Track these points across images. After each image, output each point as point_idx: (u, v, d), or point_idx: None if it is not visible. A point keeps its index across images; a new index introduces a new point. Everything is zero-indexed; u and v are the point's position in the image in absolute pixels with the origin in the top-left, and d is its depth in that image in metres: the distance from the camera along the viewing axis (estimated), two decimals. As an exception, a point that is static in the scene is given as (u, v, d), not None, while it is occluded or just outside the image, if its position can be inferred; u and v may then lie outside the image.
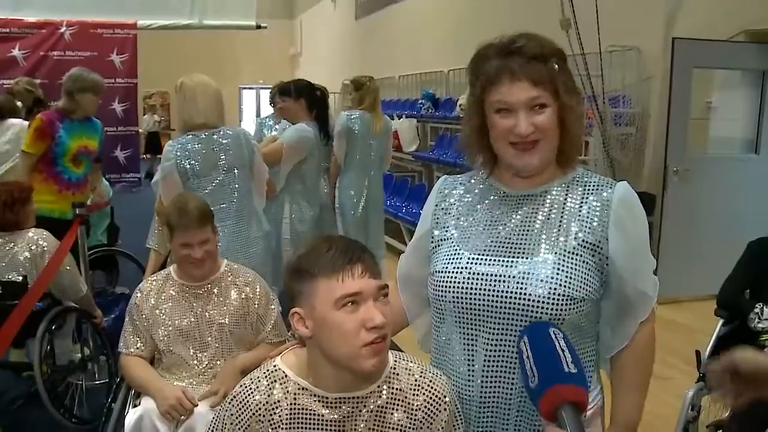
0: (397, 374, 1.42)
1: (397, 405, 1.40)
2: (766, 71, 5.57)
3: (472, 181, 1.58)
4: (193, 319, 2.47)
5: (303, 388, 1.40)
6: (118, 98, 9.99)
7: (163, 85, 15.03)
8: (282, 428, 1.39)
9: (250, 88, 17.81)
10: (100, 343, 3.66)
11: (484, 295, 1.41)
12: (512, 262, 1.41)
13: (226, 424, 1.43)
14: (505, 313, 1.39)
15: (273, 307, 2.59)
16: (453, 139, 7.80)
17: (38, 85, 5.99)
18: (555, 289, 1.37)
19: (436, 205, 1.58)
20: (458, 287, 1.43)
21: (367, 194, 5.18)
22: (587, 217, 1.43)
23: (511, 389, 1.42)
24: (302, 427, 1.39)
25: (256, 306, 2.53)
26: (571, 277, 1.38)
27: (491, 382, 1.43)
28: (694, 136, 5.61)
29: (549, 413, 1.09)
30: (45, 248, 3.25)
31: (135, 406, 2.42)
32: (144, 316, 2.47)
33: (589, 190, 1.47)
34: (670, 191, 5.36)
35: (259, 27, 11.55)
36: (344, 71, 8.32)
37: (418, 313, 1.67)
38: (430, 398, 1.40)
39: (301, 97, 4.29)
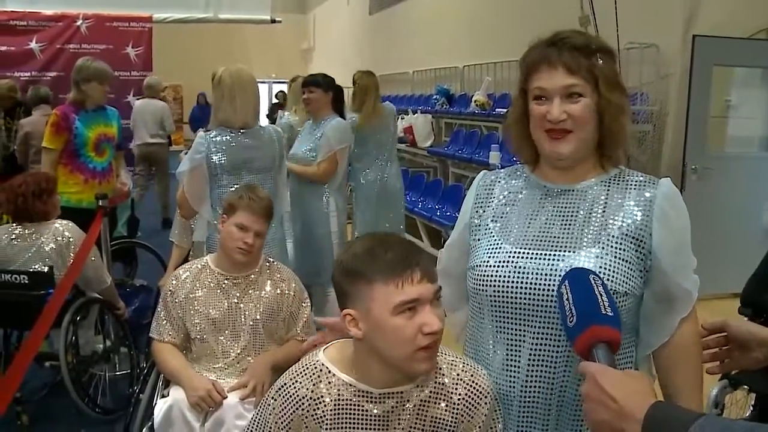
0: (440, 368, 1.43)
1: (440, 399, 1.41)
2: (786, 69, 5.55)
3: (512, 175, 1.59)
4: (227, 310, 2.49)
5: (348, 384, 1.41)
6: (133, 91, 10.02)
7: (176, 78, 15.08)
8: (326, 422, 1.40)
9: (262, 82, 17.78)
10: (122, 335, 3.70)
11: (527, 290, 1.41)
12: (555, 256, 1.42)
13: (269, 418, 1.44)
14: (548, 307, 1.39)
15: (305, 305, 2.61)
16: (468, 135, 7.80)
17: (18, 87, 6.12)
18: None
19: (476, 199, 1.59)
20: (500, 282, 1.44)
21: (387, 187, 5.32)
22: (630, 213, 1.44)
23: (553, 387, 1.42)
24: (346, 422, 1.40)
25: (290, 303, 2.55)
26: (615, 272, 1.39)
27: (535, 379, 1.43)
28: (713, 134, 5.58)
29: (584, 351, 1.15)
30: (70, 239, 3.29)
31: (163, 396, 2.44)
32: (178, 303, 2.48)
33: (631, 186, 1.48)
34: (688, 189, 5.34)
35: (273, 21, 11.57)
36: (357, 66, 8.30)
37: (456, 307, 1.67)
38: (472, 392, 1.41)
39: (330, 90, 4.28)
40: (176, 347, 2.50)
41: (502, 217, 1.53)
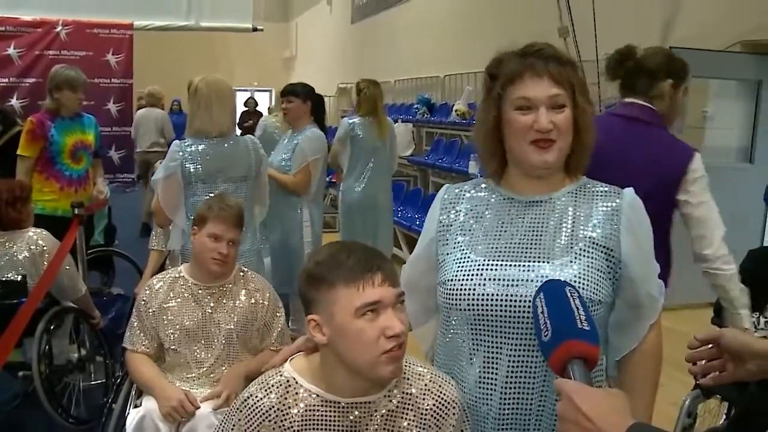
0: (408, 379, 1.42)
1: (408, 409, 1.41)
2: (761, 81, 5.61)
3: (477, 188, 1.59)
4: (200, 320, 2.47)
5: (315, 395, 1.40)
6: (113, 98, 9.95)
7: (157, 85, 14.98)
8: None
9: (244, 90, 17.77)
10: (97, 344, 3.66)
11: (501, 302, 1.41)
12: (527, 266, 1.42)
13: (234, 429, 1.43)
14: (522, 318, 1.39)
15: (279, 315, 2.60)
16: (449, 145, 7.82)
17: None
18: None
19: (441, 213, 1.58)
20: (473, 294, 1.43)
21: (377, 200, 5.30)
22: (599, 223, 1.46)
23: (531, 402, 1.41)
24: None
25: (264, 313, 2.54)
26: (587, 281, 1.40)
27: (512, 395, 1.42)
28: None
29: (559, 367, 1.10)
30: (44, 248, 3.25)
31: (136, 406, 2.43)
32: (152, 313, 2.47)
33: (597, 197, 1.50)
34: (665, 199, 5.38)
35: (255, 29, 11.55)
36: (339, 75, 8.35)
37: (422, 321, 1.67)
38: (440, 403, 1.41)
39: (309, 100, 4.27)
40: (149, 357, 2.49)
41: (469, 231, 1.52)
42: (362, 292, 1.31)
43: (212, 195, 3.15)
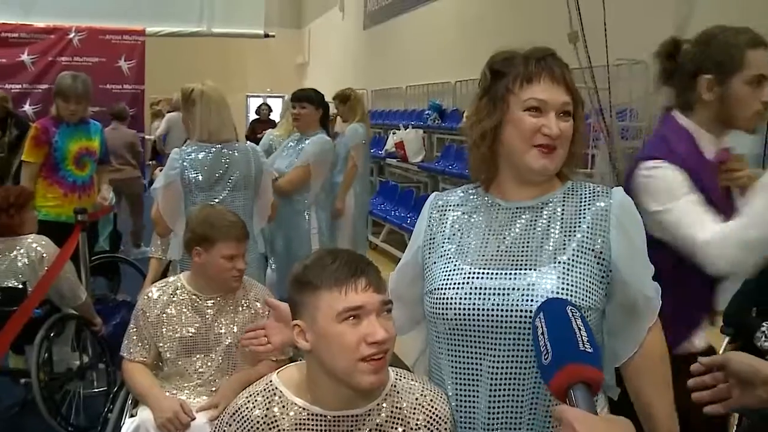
0: (398, 392, 1.38)
1: (397, 424, 1.37)
2: (775, 86, 5.52)
3: (465, 194, 1.55)
4: (200, 331, 2.43)
5: (301, 408, 1.36)
6: (125, 104, 10.02)
7: (169, 92, 15.04)
8: None
9: (257, 96, 17.81)
10: (100, 351, 3.64)
11: (488, 310, 1.36)
12: (515, 274, 1.38)
13: None
14: (511, 327, 1.35)
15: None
16: (459, 151, 7.78)
17: (10, 98, 6.09)
18: None
19: (429, 221, 1.54)
20: (460, 303, 1.38)
21: (361, 199, 5.42)
22: (588, 225, 1.41)
23: (521, 410, 1.36)
24: None
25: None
26: (576, 287, 1.35)
27: (499, 403, 1.37)
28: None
29: (561, 392, 1.05)
30: (44, 255, 3.23)
31: (132, 415, 2.39)
32: (150, 323, 2.43)
33: (585, 198, 1.45)
34: (676, 206, 5.30)
35: (267, 35, 11.59)
36: (351, 81, 8.32)
37: (407, 330, 1.63)
38: (431, 418, 1.37)
39: (321, 107, 4.21)
40: (147, 366, 2.45)
41: (457, 238, 1.48)
42: (345, 296, 1.28)
43: (215, 202, 3.14)
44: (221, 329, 2.44)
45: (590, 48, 5.29)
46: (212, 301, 2.46)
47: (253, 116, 17.36)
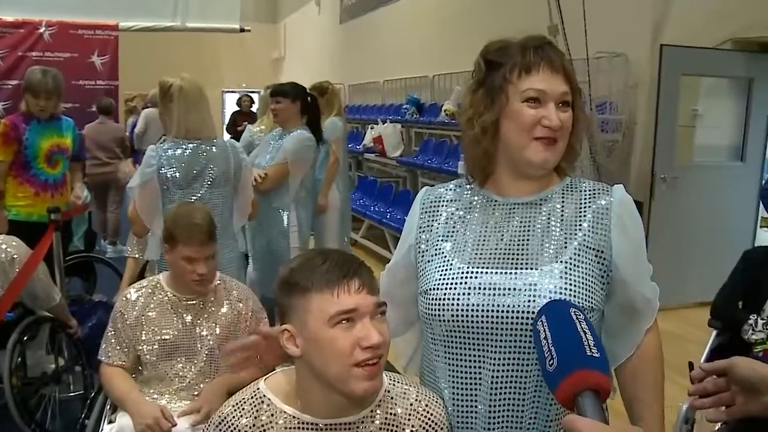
0: (392, 398, 1.32)
1: (391, 431, 1.31)
2: (752, 79, 5.55)
3: (459, 189, 1.48)
4: (181, 333, 2.35)
5: (291, 416, 1.30)
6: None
7: (143, 88, 14.82)
8: None
9: (232, 92, 17.63)
10: (76, 354, 3.53)
11: (488, 310, 1.30)
12: (515, 273, 1.32)
13: None
14: (513, 329, 1.29)
15: (264, 324, 2.46)
16: (438, 145, 7.75)
17: None
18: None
19: (421, 217, 1.48)
20: (457, 304, 1.33)
21: (344, 195, 5.38)
22: (588, 224, 1.37)
23: (522, 415, 1.31)
24: None
25: (247, 324, 2.41)
26: (579, 287, 1.31)
27: (499, 408, 1.32)
28: (680, 143, 5.59)
29: (567, 400, 0.99)
30: (14, 256, 3.11)
31: (111, 421, 2.31)
32: (129, 325, 2.34)
33: (585, 195, 1.41)
34: (657, 199, 5.33)
35: (242, 30, 11.45)
36: (328, 76, 8.23)
37: (400, 332, 1.57)
38: (426, 424, 1.32)
39: (298, 100, 4.13)
40: (126, 371, 2.36)
41: (451, 236, 1.42)
42: (337, 298, 1.22)
43: (194, 200, 3.06)
44: (202, 331, 2.36)
45: (570, 41, 5.28)
46: (192, 303, 2.38)
47: (229, 112, 17.31)
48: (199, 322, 2.37)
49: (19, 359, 3.07)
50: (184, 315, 2.36)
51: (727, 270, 2.98)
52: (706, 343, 2.94)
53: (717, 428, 2.91)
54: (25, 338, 3.12)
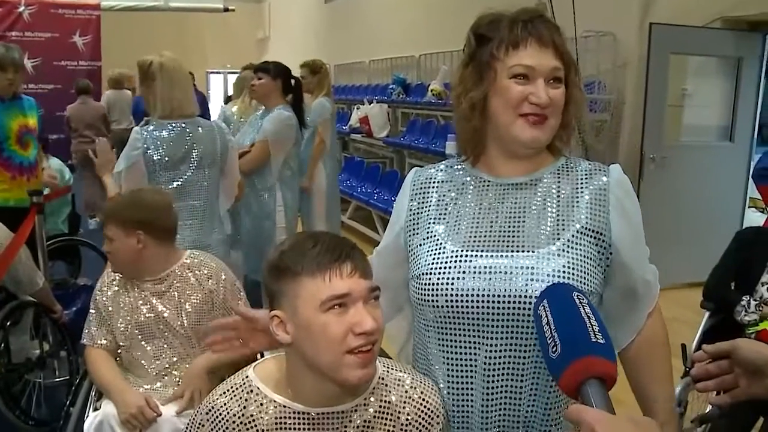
0: (386, 385, 1.28)
1: (386, 419, 1.27)
2: (742, 58, 5.53)
3: (450, 170, 1.43)
4: (151, 316, 2.28)
5: (281, 405, 1.26)
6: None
7: (127, 68, 14.63)
8: None
9: (217, 73, 17.45)
10: (60, 339, 3.48)
11: (484, 294, 1.26)
12: (511, 256, 1.28)
13: None
14: (510, 313, 1.25)
15: (240, 297, 2.39)
16: (425, 125, 7.69)
17: None
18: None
19: (411, 199, 1.43)
20: (451, 288, 1.28)
21: (332, 178, 5.38)
22: (586, 204, 1.32)
23: (519, 402, 1.28)
24: None
25: (222, 299, 2.31)
26: (578, 270, 1.26)
27: (496, 395, 1.28)
28: (669, 123, 5.57)
29: (571, 388, 0.94)
30: (-5, 241, 3.06)
31: (96, 409, 2.26)
32: (106, 306, 2.30)
33: (582, 175, 1.36)
34: (646, 178, 5.31)
35: (226, 10, 11.32)
36: (314, 55, 8.11)
37: (390, 317, 1.52)
38: (422, 411, 1.28)
39: (279, 78, 4.07)
40: (110, 353, 2.31)
41: (443, 218, 1.37)
42: (329, 283, 1.17)
43: (178, 184, 3.00)
44: (172, 314, 2.28)
45: (558, 20, 5.19)
46: (159, 284, 2.30)
47: (214, 93, 17.14)
48: (167, 305, 2.29)
49: (3, 345, 3.02)
50: (152, 298, 2.29)
51: (716, 250, 2.96)
52: (696, 324, 2.93)
53: (708, 410, 2.92)
54: (8, 323, 3.08)
